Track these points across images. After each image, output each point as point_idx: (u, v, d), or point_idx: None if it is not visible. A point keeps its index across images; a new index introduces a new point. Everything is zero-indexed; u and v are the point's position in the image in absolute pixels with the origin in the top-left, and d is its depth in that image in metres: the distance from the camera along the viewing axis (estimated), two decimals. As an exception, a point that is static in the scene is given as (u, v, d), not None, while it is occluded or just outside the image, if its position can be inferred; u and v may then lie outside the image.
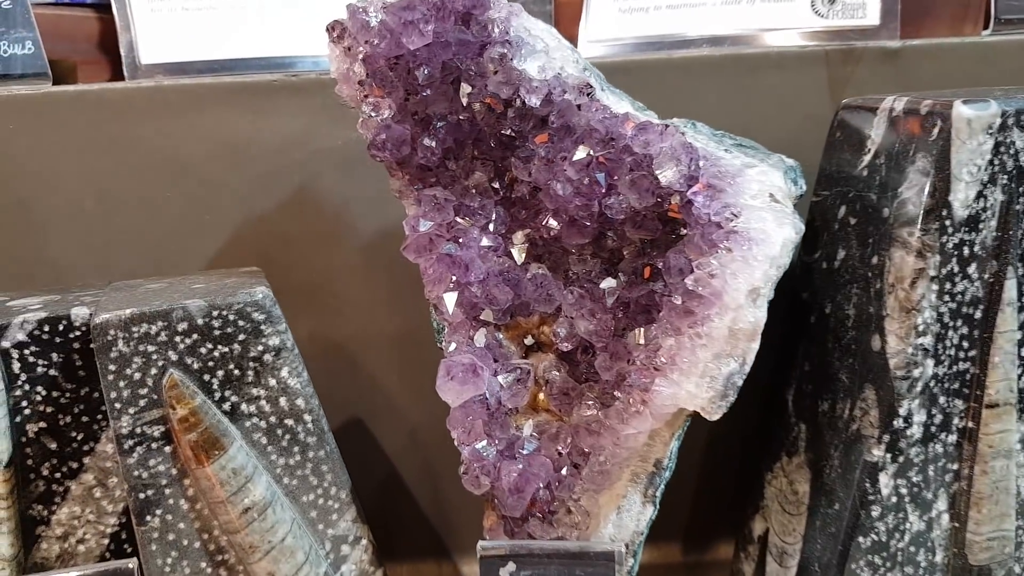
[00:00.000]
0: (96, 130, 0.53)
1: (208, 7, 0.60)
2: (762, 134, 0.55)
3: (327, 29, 0.42)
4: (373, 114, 0.41)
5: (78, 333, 0.45)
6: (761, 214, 0.39)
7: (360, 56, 0.41)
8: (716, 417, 0.39)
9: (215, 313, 0.42)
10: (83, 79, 0.70)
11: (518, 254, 0.45)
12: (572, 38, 0.63)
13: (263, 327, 0.42)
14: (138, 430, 0.41)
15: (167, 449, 0.42)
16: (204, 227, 0.54)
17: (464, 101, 0.42)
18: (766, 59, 0.55)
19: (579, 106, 0.43)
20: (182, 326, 0.41)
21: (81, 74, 0.71)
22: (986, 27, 0.67)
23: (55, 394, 0.45)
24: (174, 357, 0.41)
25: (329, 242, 0.55)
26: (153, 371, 0.41)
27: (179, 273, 0.55)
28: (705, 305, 0.39)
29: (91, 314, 0.45)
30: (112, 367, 0.40)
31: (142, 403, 0.41)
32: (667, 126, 0.43)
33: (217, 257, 0.55)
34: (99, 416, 0.46)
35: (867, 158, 0.45)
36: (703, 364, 0.39)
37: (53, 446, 0.46)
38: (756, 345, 0.38)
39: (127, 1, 0.58)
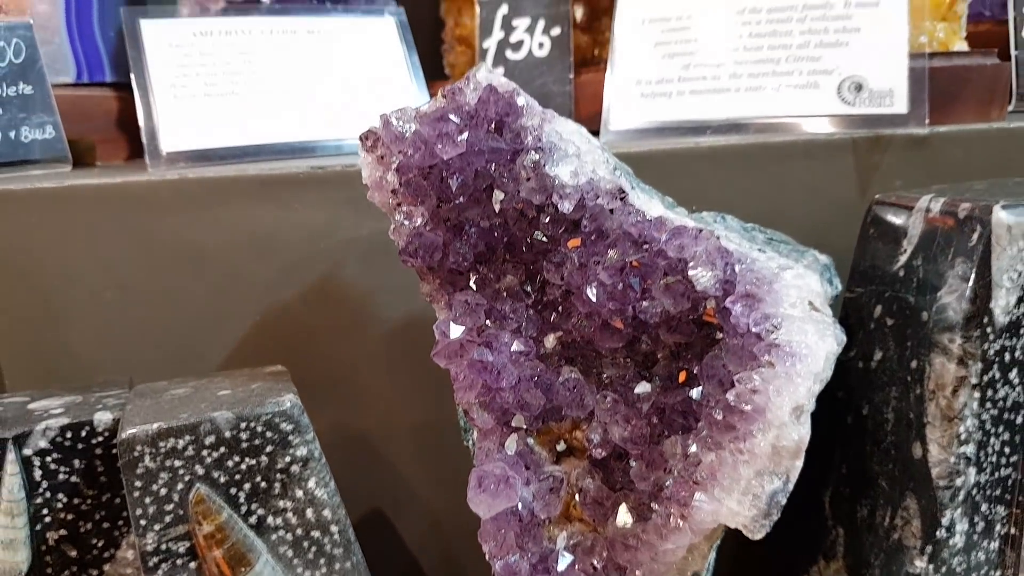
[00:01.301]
0: (118, 223, 0.52)
1: (230, 92, 0.60)
2: (791, 223, 0.55)
3: (360, 138, 0.41)
4: (406, 222, 0.41)
5: (101, 439, 0.44)
6: (802, 326, 0.39)
7: (393, 166, 0.40)
8: (759, 536, 0.38)
9: (243, 425, 0.41)
10: (102, 157, 0.70)
11: (549, 355, 0.44)
12: (592, 117, 0.63)
13: (291, 437, 0.41)
14: (163, 547, 0.40)
15: (192, 565, 0.40)
16: (227, 318, 0.54)
17: (496, 208, 0.41)
18: (793, 147, 0.54)
19: (612, 210, 0.42)
20: (210, 439, 0.40)
21: (100, 152, 0.71)
22: (1010, 102, 0.68)
23: (76, 501, 0.44)
24: (201, 471, 0.40)
25: (352, 333, 0.54)
26: (180, 486, 0.40)
27: (202, 366, 0.55)
28: (747, 421, 0.38)
29: (114, 419, 0.44)
30: (138, 483, 0.40)
31: (168, 519, 0.40)
32: (701, 230, 0.42)
33: (240, 348, 0.54)
34: (120, 522, 0.45)
35: (903, 258, 0.45)
36: (745, 481, 0.38)
37: (73, 554, 0.45)
38: (800, 463, 0.37)
39: (149, 89, 0.58)
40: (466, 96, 0.41)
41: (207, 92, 0.60)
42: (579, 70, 0.69)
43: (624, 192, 0.43)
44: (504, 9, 0.68)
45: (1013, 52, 0.67)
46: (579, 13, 0.72)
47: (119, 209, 0.53)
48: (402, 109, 0.41)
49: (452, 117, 0.40)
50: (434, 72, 0.78)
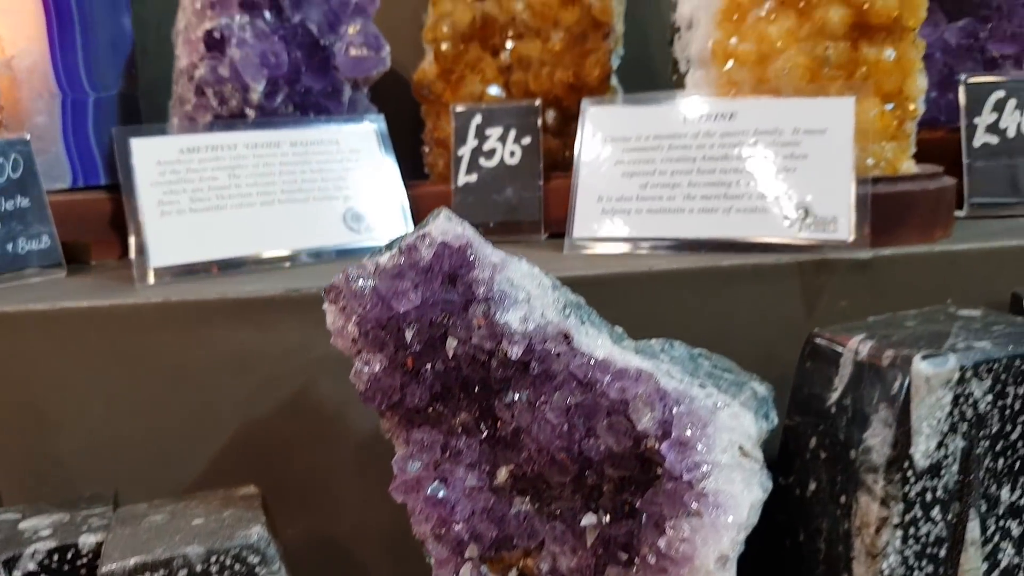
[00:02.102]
0: (106, 342, 0.56)
1: (216, 207, 0.64)
2: (741, 342, 0.58)
3: (324, 291, 0.45)
4: (365, 368, 0.44)
5: (85, 560, 0.47)
6: (731, 474, 0.42)
7: (354, 317, 0.44)
8: (690, 673, 0.40)
9: (213, 559, 0.44)
10: (96, 256, 0.74)
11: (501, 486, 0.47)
12: (561, 220, 0.66)
13: (258, 569, 0.44)
14: (136, 675, 0.43)
15: None
16: (207, 431, 0.57)
17: (450, 353, 0.45)
18: (742, 271, 0.57)
19: (558, 354, 0.46)
20: (182, 573, 0.43)
21: (95, 251, 0.75)
22: (960, 208, 0.71)
23: (60, 620, 0.47)
24: (173, 604, 0.43)
25: (326, 444, 0.57)
26: (153, 618, 0.43)
27: (184, 476, 0.58)
28: (677, 566, 0.41)
29: (98, 543, 0.48)
30: (115, 615, 0.43)
31: (142, 648, 0.43)
32: (641, 372, 0.45)
33: (219, 460, 0.57)
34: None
35: (835, 395, 0.47)
36: (676, 621, 0.41)
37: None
38: (727, 606, 0.40)
39: (138, 207, 0.61)
40: (421, 253, 0.44)
41: (193, 207, 0.63)
42: (549, 175, 0.72)
43: (570, 336, 0.46)
44: (478, 119, 0.72)
45: (965, 160, 0.70)
46: (551, 117, 0.75)
47: (106, 329, 0.56)
48: (362, 265, 0.45)
49: (408, 273, 0.44)
50: (415, 171, 0.81)
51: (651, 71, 0.73)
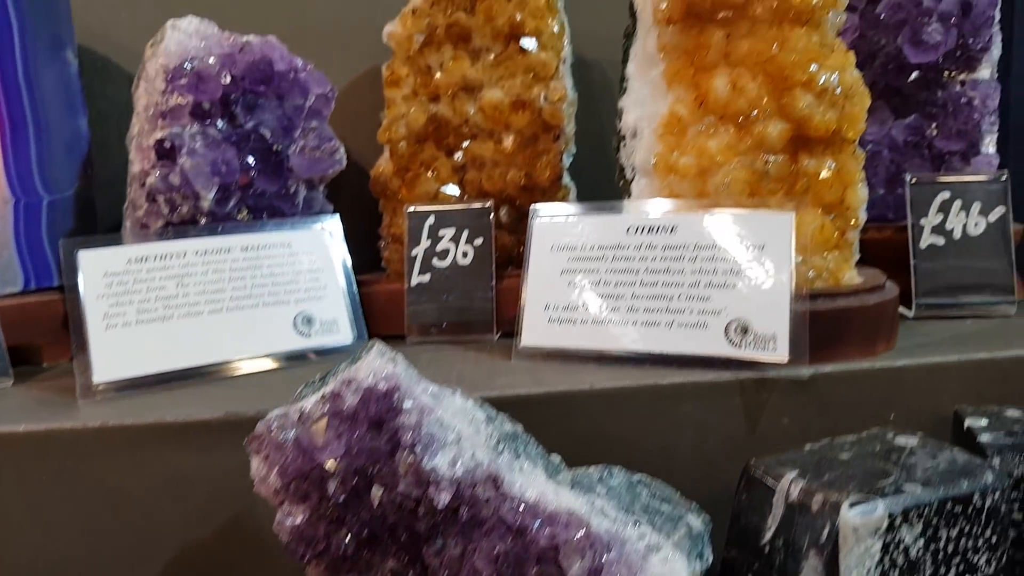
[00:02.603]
0: (44, 466, 0.55)
1: (163, 318, 0.64)
2: (683, 461, 0.58)
3: (246, 442, 0.45)
4: (287, 520, 0.44)
5: None
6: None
7: (276, 468, 0.44)
8: None
9: None
10: (48, 359, 0.74)
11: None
12: (512, 320, 0.67)
13: None
14: None
15: None
16: (145, 555, 0.56)
17: (375, 502, 0.44)
18: (683, 389, 0.57)
19: (487, 499, 0.45)
20: None
21: (46, 353, 0.74)
22: (909, 307, 0.71)
23: None
24: None
25: (265, 569, 0.57)
26: None
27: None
28: None
29: None
30: None
31: None
32: (572, 517, 0.45)
33: (157, 583, 0.57)
34: None
35: (768, 534, 0.47)
36: None
37: None
38: None
39: (84, 322, 0.61)
40: (345, 400, 0.44)
41: (139, 319, 0.63)
42: (503, 273, 0.73)
43: (500, 480, 0.46)
44: (431, 220, 0.72)
45: (912, 261, 0.71)
46: (505, 215, 0.76)
47: (44, 453, 0.56)
48: (284, 414, 0.45)
49: (332, 422, 0.44)
50: (375, 263, 0.82)
51: (605, 165, 0.74)
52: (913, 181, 0.70)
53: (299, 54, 0.74)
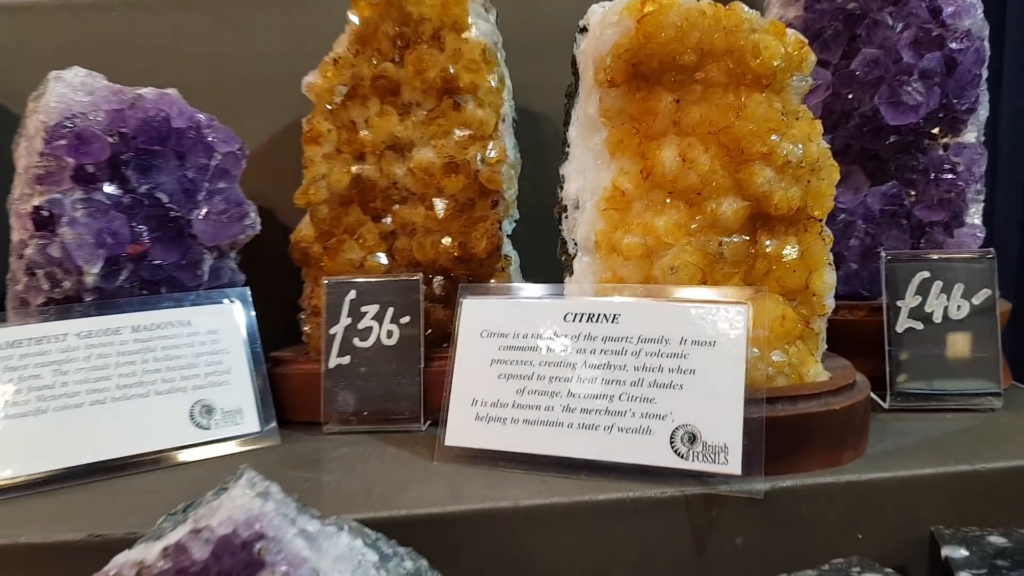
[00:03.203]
0: None
1: (37, 411, 0.56)
2: (620, 590, 0.50)
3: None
4: None
5: None
6: None
7: None
8: None
9: None
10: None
11: None
12: (436, 409, 0.59)
13: None
14: None
15: None
16: None
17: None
18: (622, 505, 0.50)
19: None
20: None
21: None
22: (883, 396, 0.64)
23: None
24: None
25: None
26: None
27: None
28: None
29: None
30: None
31: None
32: None
33: None
34: None
35: None
36: None
37: None
38: None
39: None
40: (193, 554, 0.36)
41: (8, 413, 0.55)
42: (433, 354, 0.65)
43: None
44: (352, 294, 0.65)
45: (887, 347, 0.64)
46: (438, 286, 0.68)
47: None
48: (124, 563, 0.37)
49: (174, 583, 0.36)
50: (295, 336, 0.74)
51: (549, 239, 0.67)
52: (889, 258, 0.64)
53: (208, 107, 0.66)
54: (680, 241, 0.55)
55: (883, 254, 0.64)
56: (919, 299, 0.63)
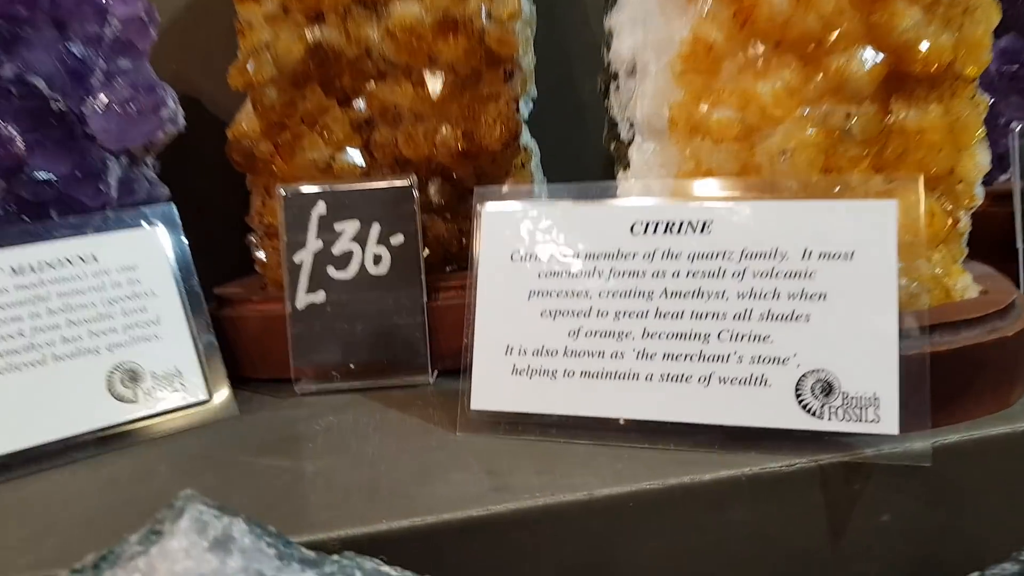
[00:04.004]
0: None
1: None
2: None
3: None
4: None
5: None
6: None
7: None
8: None
9: None
10: None
11: None
12: (457, 352, 0.44)
13: None
14: None
15: None
16: None
17: None
18: (734, 485, 0.36)
19: None
20: None
21: None
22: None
23: None
24: None
25: None
26: None
27: None
28: None
29: None
30: None
31: None
32: None
33: None
34: None
35: None
36: None
37: None
38: None
39: None
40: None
41: None
42: (438, 282, 0.49)
43: None
44: (320, 208, 0.48)
45: (1021, 246, 0.50)
46: (435, 193, 0.52)
47: None
48: None
49: None
50: (245, 265, 0.57)
51: (583, 118, 0.50)
52: (1020, 129, 0.49)
53: (97, -50, 0.47)
54: (793, 113, 0.39)
55: (1015, 127, 0.50)
56: (1059, 183, 0.50)
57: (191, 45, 0.60)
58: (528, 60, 0.51)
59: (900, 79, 0.40)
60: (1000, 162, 0.55)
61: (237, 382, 0.51)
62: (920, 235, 0.39)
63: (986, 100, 0.42)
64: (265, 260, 0.54)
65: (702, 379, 0.38)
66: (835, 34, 0.38)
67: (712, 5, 0.39)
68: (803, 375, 0.37)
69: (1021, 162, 0.49)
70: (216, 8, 0.58)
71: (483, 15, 0.48)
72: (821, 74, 0.39)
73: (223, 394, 0.48)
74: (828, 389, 0.37)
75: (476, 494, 0.36)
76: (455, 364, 0.44)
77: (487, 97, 0.49)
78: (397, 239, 0.48)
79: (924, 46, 0.39)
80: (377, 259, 0.48)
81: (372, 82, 0.50)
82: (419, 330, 0.48)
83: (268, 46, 0.49)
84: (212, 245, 0.53)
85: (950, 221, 0.41)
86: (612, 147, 0.45)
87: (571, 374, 0.40)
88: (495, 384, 0.42)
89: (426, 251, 0.51)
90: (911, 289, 0.39)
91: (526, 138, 0.52)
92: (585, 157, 0.47)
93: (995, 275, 0.45)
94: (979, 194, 0.42)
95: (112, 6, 0.48)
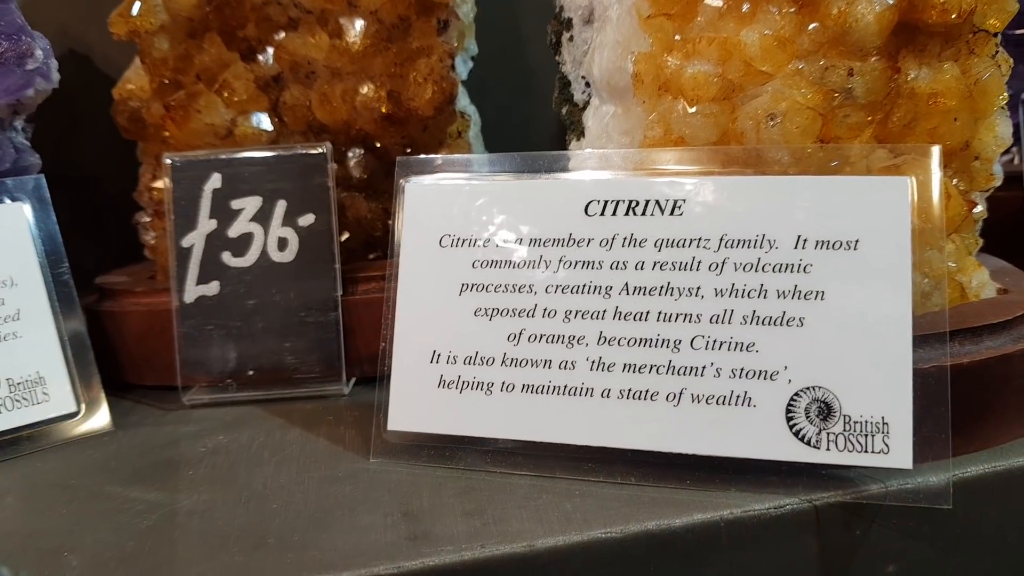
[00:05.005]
0: None
1: None
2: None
3: None
4: None
5: None
6: None
7: None
8: None
9: None
10: None
11: None
12: (375, 357, 0.36)
13: None
14: None
15: None
16: None
17: None
18: (711, 532, 0.29)
19: None
20: None
21: None
22: None
23: None
24: None
25: None
26: None
27: None
28: None
29: None
30: None
31: None
32: None
33: None
34: None
35: None
36: None
37: None
38: None
39: None
40: None
41: None
42: (355, 276, 0.41)
43: None
44: (215, 181, 0.40)
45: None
46: (354, 164, 0.44)
47: None
48: None
49: None
50: (136, 250, 0.49)
51: (533, 81, 0.43)
52: (1033, 102, 0.43)
53: None
54: (784, 69, 0.32)
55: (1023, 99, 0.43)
56: (1079, 164, 0.43)
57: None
58: (467, 9, 0.43)
59: (911, 31, 0.33)
60: (1007, 139, 0.48)
61: (119, 389, 0.43)
62: (935, 220, 0.32)
63: (1009, 60, 0.35)
64: (154, 244, 0.45)
65: (671, 397, 0.31)
66: (838, -29, 0.31)
67: (688, -67, 0.32)
68: (796, 393, 0.30)
69: (1036, 139, 0.43)
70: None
71: (412, -49, 0.40)
72: (817, 21, 0.32)
73: (96, 406, 0.40)
74: (826, 411, 0.30)
75: (386, 545, 0.29)
76: (374, 369, 0.37)
77: (417, 51, 0.41)
78: (307, 219, 0.40)
79: (941, -10, 0.32)
80: (282, 243, 0.40)
81: (281, 32, 0.42)
82: (332, 329, 0.40)
83: (155, -13, 0.41)
84: (96, 225, 0.45)
85: (967, 206, 0.34)
86: (564, 111, 0.38)
87: (510, 388, 0.33)
88: (418, 400, 0.34)
89: (344, 234, 0.43)
90: (923, 286, 0.33)
91: (464, 102, 0.44)
92: (536, 126, 0.40)
93: (1013, 270, 0.39)
94: (998, 173, 0.36)
95: (-41, -69, 0.39)
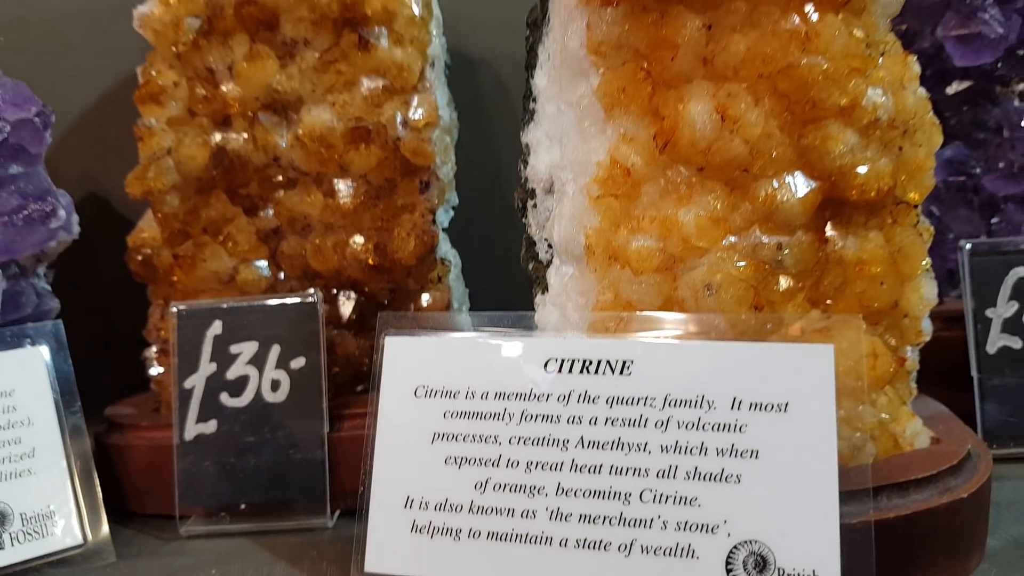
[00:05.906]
0: None
1: None
2: None
3: None
4: None
5: None
6: None
7: None
8: None
9: None
10: None
11: None
12: (349, 492, 0.39)
13: None
14: None
15: None
16: None
17: None
18: None
19: None
20: None
21: None
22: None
23: None
24: None
25: None
26: None
27: None
28: None
29: None
30: None
31: None
32: None
33: None
34: None
35: None
36: None
37: None
38: None
39: None
40: None
41: None
42: (342, 413, 0.45)
43: None
44: (216, 327, 0.44)
45: (975, 375, 0.47)
46: (345, 306, 0.48)
47: None
48: None
49: None
50: (143, 381, 0.52)
51: (511, 224, 0.47)
52: (971, 249, 0.46)
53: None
54: (718, 243, 0.36)
55: (964, 244, 0.47)
56: (1015, 306, 0.46)
57: (99, 144, 0.56)
58: (448, 169, 0.48)
59: (836, 205, 0.37)
60: (950, 277, 0.52)
61: (122, 517, 0.46)
62: (862, 379, 0.35)
63: (930, 227, 0.39)
64: (160, 378, 0.49)
65: (623, 547, 0.34)
66: (764, 159, 0.35)
67: (631, 125, 0.36)
68: (735, 546, 0.33)
69: (972, 282, 0.46)
70: (127, 106, 0.55)
71: (398, 123, 0.45)
72: (749, 202, 0.36)
73: (100, 536, 0.43)
74: (762, 564, 0.32)
75: None
76: (353, 504, 0.40)
77: (401, 208, 0.46)
78: (298, 362, 0.43)
79: (862, 170, 0.36)
80: (275, 385, 0.43)
81: (281, 191, 0.47)
82: (318, 467, 0.43)
83: (170, 151, 0.45)
84: (107, 358, 0.49)
85: (896, 362, 0.37)
86: (530, 267, 0.42)
87: (476, 535, 0.36)
88: (393, 543, 0.37)
89: (335, 369, 0.47)
90: (854, 440, 0.35)
91: (445, 249, 0.48)
92: (514, 265, 0.43)
93: (947, 415, 0.41)
94: (926, 329, 0.39)
95: (1, 109, 0.44)
